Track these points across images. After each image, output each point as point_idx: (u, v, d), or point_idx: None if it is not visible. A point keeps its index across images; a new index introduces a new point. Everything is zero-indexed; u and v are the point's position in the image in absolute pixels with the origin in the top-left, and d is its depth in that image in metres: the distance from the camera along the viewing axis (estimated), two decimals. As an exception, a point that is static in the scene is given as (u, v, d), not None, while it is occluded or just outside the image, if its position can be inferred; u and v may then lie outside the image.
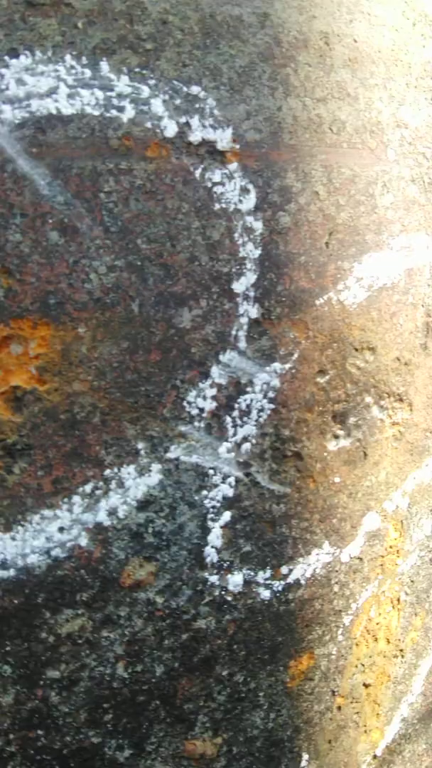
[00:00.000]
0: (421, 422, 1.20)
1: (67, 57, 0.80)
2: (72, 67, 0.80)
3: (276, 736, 1.22)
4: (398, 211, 1.07)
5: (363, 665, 1.29)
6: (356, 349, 1.07)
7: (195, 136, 0.87)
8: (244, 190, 0.92)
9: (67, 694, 0.96)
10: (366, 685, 1.32)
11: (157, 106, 0.85)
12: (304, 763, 1.29)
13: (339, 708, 1.29)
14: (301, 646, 1.17)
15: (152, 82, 0.84)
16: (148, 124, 0.84)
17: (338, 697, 1.28)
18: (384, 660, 1.33)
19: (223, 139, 0.89)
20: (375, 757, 1.43)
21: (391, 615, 1.30)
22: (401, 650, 1.35)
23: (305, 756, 1.28)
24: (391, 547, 1.24)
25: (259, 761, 1.23)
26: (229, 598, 1.05)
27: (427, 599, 1.35)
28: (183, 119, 0.87)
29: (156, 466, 0.93)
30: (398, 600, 1.29)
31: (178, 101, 0.86)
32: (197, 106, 0.87)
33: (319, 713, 1.26)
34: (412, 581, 1.31)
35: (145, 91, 0.84)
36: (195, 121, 0.87)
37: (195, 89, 0.87)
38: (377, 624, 1.28)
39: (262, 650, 1.12)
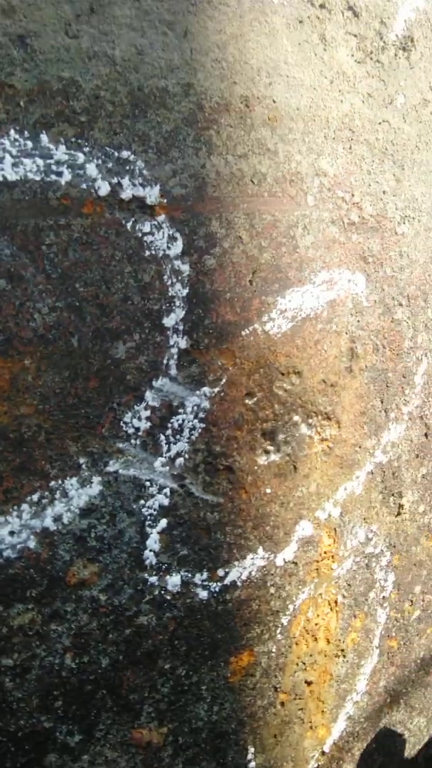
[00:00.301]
0: (349, 438, 1.38)
1: (11, 131, 0.98)
2: (15, 140, 0.98)
3: (221, 729, 1.38)
4: (319, 249, 1.25)
5: (304, 663, 1.46)
6: (282, 374, 1.25)
7: (126, 194, 1.06)
8: (172, 238, 1.10)
9: (20, 681, 1.13)
10: (308, 683, 1.48)
11: (92, 169, 1.03)
12: (250, 755, 1.45)
13: (282, 704, 1.46)
14: (241, 643, 1.34)
15: (87, 149, 1.03)
16: (84, 186, 1.03)
17: (281, 693, 1.44)
18: (325, 659, 1.49)
19: (152, 195, 1.08)
20: (323, 753, 1.59)
21: (329, 616, 1.46)
22: (342, 650, 1.51)
23: (251, 749, 1.45)
24: (325, 552, 1.41)
25: (206, 752, 1.39)
26: (168, 597, 1.22)
27: (365, 602, 1.52)
28: (115, 180, 1.05)
29: (96, 478, 1.11)
30: (336, 602, 1.46)
31: (110, 165, 1.05)
32: (127, 168, 1.06)
33: (263, 708, 1.43)
34: (348, 585, 1.47)
35: (81, 158, 1.02)
36: (126, 181, 1.06)
37: (125, 153, 1.06)
38: (316, 624, 1.44)
39: (202, 646, 1.29)
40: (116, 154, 1.05)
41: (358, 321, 1.33)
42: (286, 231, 1.21)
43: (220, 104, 1.13)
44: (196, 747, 1.37)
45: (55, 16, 1.01)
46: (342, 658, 1.52)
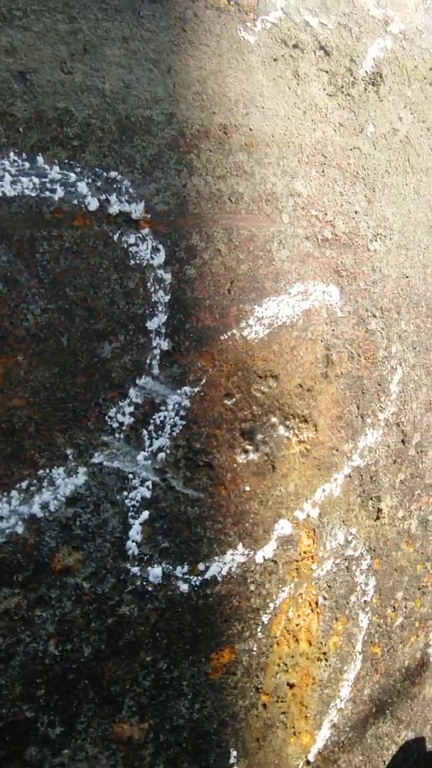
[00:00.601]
0: (327, 441, 1.47)
1: (11, 153, 1.13)
2: (14, 161, 1.13)
3: (202, 728, 1.44)
4: (294, 263, 1.38)
5: (286, 664, 1.52)
6: (260, 377, 1.36)
7: (113, 209, 1.20)
8: (155, 249, 1.24)
9: (4, 667, 1.21)
10: (291, 685, 1.54)
11: (83, 187, 1.17)
12: (232, 759, 1.50)
13: (264, 705, 1.52)
14: (222, 639, 1.41)
15: (78, 169, 1.17)
16: (75, 201, 1.17)
17: (263, 694, 1.50)
18: (307, 662, 1.55)
19: (137, 210, 1.22)
20: (308, 763, 1.64)
21: (310, 618, 1.53)
22: (324, 653, 1.58)
23: (233, 752, 1.50)
24: (305, 552, 1.49)
25: (187, 753, 1.45)
26: (150, 589, 1.30)
27: (346, 605, 1.59)
28: (103, 197, 1.19)
29: (82, 469, 1.21)
30: (316, 603, 1.53)
31: (99, 183, 1.19)
32: (115, 186, 1.20)
33: (245, 709, 1.49)
34: (329, 586, 1.55)
35: (73, 177, 1.17)
36: (113, 198, 1.20)
37: (113, 174, 1.20)
38: (297, 625, 1.51)
39: (183, 640, 1.36)
40: (105, 174, 1.20)
41: (333, 330, 1.44)
42: (263, 245, 1.34)
43: (201, 131, 1.28)
44: (177, 746, 1.42)
45: (52, 55, 1.17)
46: (324, 662, 1.58)
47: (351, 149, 1.46)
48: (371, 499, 1.57)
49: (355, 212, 1.46)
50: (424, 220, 1.59)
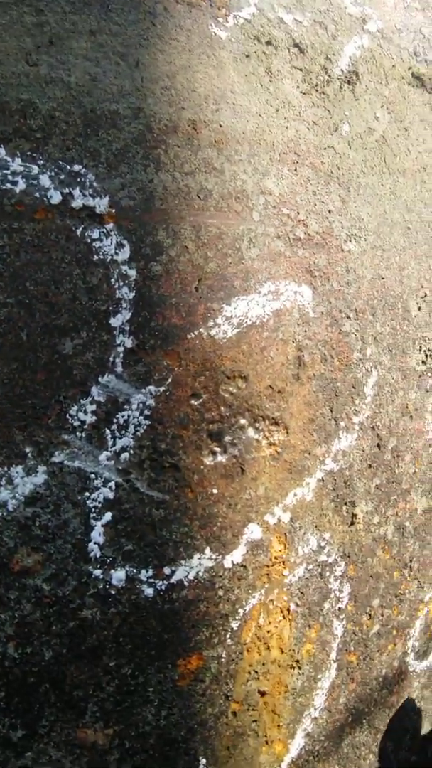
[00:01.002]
0: (298, 444, 1.43)
1: (-29, 146, 1.10)
2: (-26, 153, 1.10)
3: (169, 735, 1.39)
4: (264, 262, 1.34)
5: (256, 672, 1.46)
6: (228, 377, 1.32)
7: (76, 203, 1.16)
8: (120, 245, 1.20)
9: (-38, 669, 1.17)
10: (262, 693, 1.49)
11: (45, 180, 1.14)
12: (201, 767, 1.44)
13: (234, 713, 1.46)
14: (189, 645, 1.36)
15: (41, 162, 1.13)
16: (37, 194, 1.13)
17: (232, 702, 1.45)
18: (279, 669, 1.50)
19: (101, 205, 1.18)
20: (282, 772, 1.58)
21: (282, 624, 1.48)
22: (297, 661, 1.52)
23: (203, 760, 1.44)
24: (276, 558, 1.44)
25: (154, 759, 1.39)
26: (113, 592, 1.25)
27: (320, 612, 1.53)
28: (66, 190, 1.15)
29: (42, 468, 1.17)
30: (288, 610, 1.48)
31: (62, 176, 1.15)
32: (79, 180, 1.16)
33: (214, 716, 1.43)
34: (301, 593, 1.49)
35: (35, 169, 1.13)
36: (77, 192, 1.16)
37: (77, 167, 1.16)
38: (268, 632, 1.46)
39: (148, 645, 1.31)
40: (68, 167, 1.16)
41: (305, 331, 1.40)
42: (232, 243, 1.30)
43: (169, 126, 1.24)
44: (143, 753, 1.37)
45: (17, 47, 1.14)
46: (297, 670, 1.53)
47: (325, 148, 1.42)
48: (345, 504, 1.52)
49: (329, 212, 1.42)
50: (401, 221, 1.55)
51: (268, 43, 1.35)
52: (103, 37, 1.21)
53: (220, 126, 1.30)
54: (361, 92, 1.48)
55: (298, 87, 1.39)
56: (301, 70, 1.40)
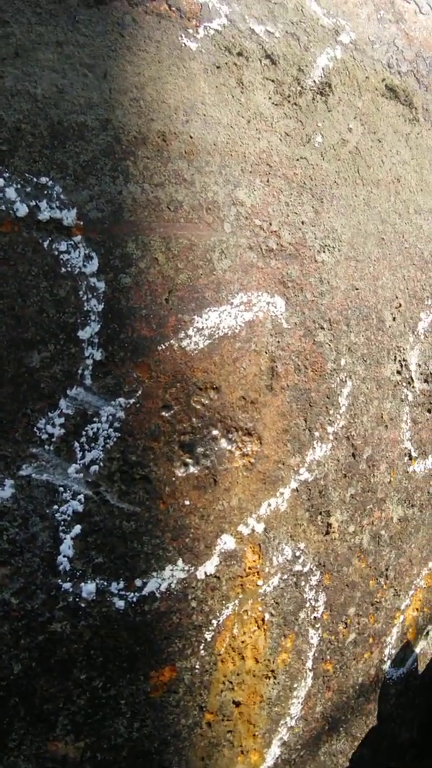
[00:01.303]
0: (272, 455, 1.40)
1: None
2: None
3: (143, 747, 1.36)
4: (236, 273, 1.31)
5: (231, 682, 1.43)
6: (200, 388, 1.28)
7: (43, 215, 1.13)
8: (88, 257, 1.17)
9: None
10: (236, 704, 1.46)
11: (11, 193, 1.11)
12: (176, 778, 1.41)
13: (209, 724, 1.43)
14: (162, 657, 1.33)
15: (6, 175, 1.10)
16: (3, 207, 1.10)
17: (207, 713, 1.42)
18: (254, 679, 1.47)
19: (68, 217, 1.15)
20: (258, 781, 1.54)
21: (257, 634, 1.45)
22: (272, 671, 1.49)
23: (178, 771, 1.41)
24: (250, 568, 1.41)
25: (128, 771, 1.36)
26: (83, 605, 1.22)
27: (295, 622, 1.50)
28: (33, 203, 1.12)
29: (9, 482, 1.13)
30: (263, 620, 1.45)
31: (28, 189, 1.12)
32: (45, 192, 1.13)
33: (188, 728, 1.40)
34: (276, 603, 1.46)
35: (1, 182, 1.10)
36: (43, 204, 1.13)
37: (44, 179, 1.13)
38: (242, 642, 1.43)
39: (120, 658, 1.28)
40: (35, 179, 1.13)
41: (278, 341, 1.37)
42: (203, 254, 1.27)
43: (138, 138, 1.21)
44: (116, 766, 1.34)
45: (-17, 59, 1.11)
46: (272, 680, 1.50)
47: (298, 159, 1.39)
48: (320, 513, 1.49)
49: (302, 223, 1.39)
50: (375, 232, 1.52)
51: (240, 54, 1.32)
52: (70, 49, 1.18)
53: (191, 137, 1.27)
54: (334, 103, 1.45)
55: (270, 98, 1.36)
56: (273, 81, 1.37)
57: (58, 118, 1.15)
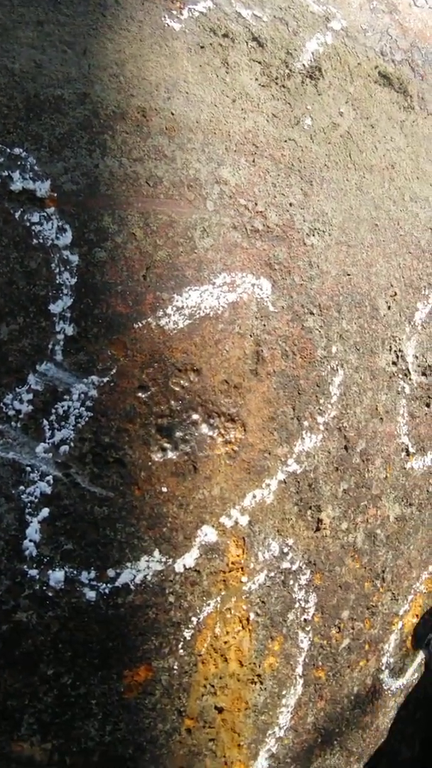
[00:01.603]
0: (257, 443, 1.26)
1: None
2: None
3: (116, 752, 1.20)
4: (219, 252, 1.20)
5: (213, 686, 1.28)
6: (179, 370, 1.17)
7: (16, 186, 1.04)
8: (61, 229, 1.07)
9: None
10: (219, 710, 1.30)
11: (-18, 162, 1.02)
12: (154, 788, 1.25)
13: (189, 731, 1.27)
14: (137, 655, 1.18)
15: (-22, 144, 1.02)
16: (-27, 176, 1.02)
17: (186, 718, 1.26)
18: (238, 684, 1.31)
19: (42, 188, 1.06)
20: (245, 796, 1.37)
21: (241, 635, 1.29)
22: (258, 675, 1.33)
23: (155, 780, 1.25)
24: (233, 563, 1.26)
25: (100, 778, 1.21)
26: (50, 594, 1.09)
27: (283, 623, 1.34)
28: (5, 173, 1.04)
29: (-28, 460, 1.03)
30: (248, 620, 1.29)
31: (1, 160, 1.04)
32: (19, 163, 1.05)
33: (165, 733, 1.24)
34: (262, 602, 1.31)
35: (-28, 152, 1.02)
36: (16, 175, 1.04)
37: (17, 150, 1.05)
38: (225, 643, 1.28)
39: (91, 653, 1.14)
40: (8, 150, 1.05)
41: (264, 325, 1.25)
42: (184, 232, 1.16)
43: (116, 113, 1.13)
44: (88, 771, 1.19)
45: (-40, 32, 1.04)
46: (259, 685, 1.33)
47: (286, 141, 1.29)
48: (310, 508, 1.34)
49: (290, 204, 1.28)
50: (368, 218, 1.40)
51: (225, 35, 1.24)
52: (50, 27, 1.10)
53: (172, 114, 1.18)
54: (324, 87, 1.35)
55: (256, 79, 1.27)
56: (260, 63, 1.28)
57: (34, 92, 1.07)
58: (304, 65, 1.32)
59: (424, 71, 1.54)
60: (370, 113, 1.42)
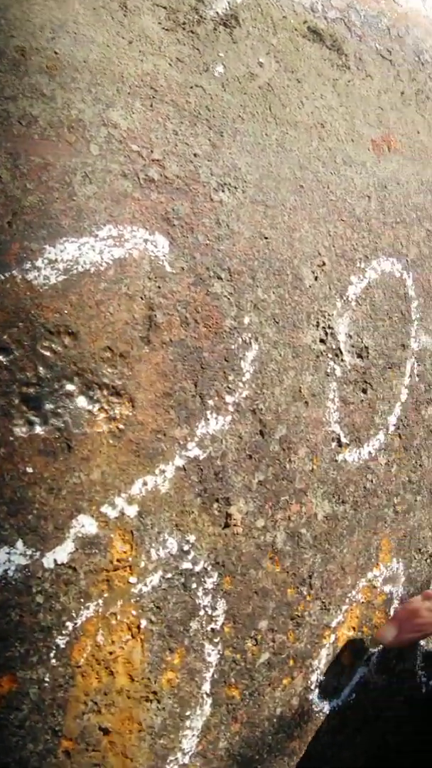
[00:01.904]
0: (149, 422, 1.03)
1: None
2: None
3: (-27, 778, 0.96)
4: (104, 201, 0.98)
5: (95, 703, 1.02)
6: (50, 332, 0.94)
7: None
8: None
9: None
10: (105, 731, 1.04)
11: None
12: None
13: (67, 753, 1.01)
14: (-3, 663, 0.94)
15: None
16: None
17: (63, 739, 1.01)
18: (129, 702, 1.05)
19: None
20: None
21: (131, 645, 1.04)
22: (154, 693, 1.07)
23: None
24: (119, 561, 1.02)
25: None
26: None
27: (185, 633, 1.08)
28: None
29: None
30: (138, 628, 1.04)
31: None
32: None
33: (38, 755, 0.99)
34: (157, 607, 1.05)
35: None
36: None
37: None
38: (111, 653, 1.02)
39: None
40: None
41: (159, 287, 1.02)
42: (61, 176, 0.95)
43: (-13, 46, 0.93)
44: None
45: None
46: (155, 704, 1.07)
47: (192, 87, 1.08)
48: (217, 500, 1.10)
49: (194, 155, 1.07)
50: (291, 178, 1.17)
51: (124, -28, 1.04)
52: None
53: (55, 53, 0.98)
54: (241, 36, 1.14)
55: (159, 23, 1.07)
56: (165, 8, 1.08)
57: None
58: (218, 13, 1.12)
59: (362, 32, 1.32)
60: (296, 67, 1.20)
